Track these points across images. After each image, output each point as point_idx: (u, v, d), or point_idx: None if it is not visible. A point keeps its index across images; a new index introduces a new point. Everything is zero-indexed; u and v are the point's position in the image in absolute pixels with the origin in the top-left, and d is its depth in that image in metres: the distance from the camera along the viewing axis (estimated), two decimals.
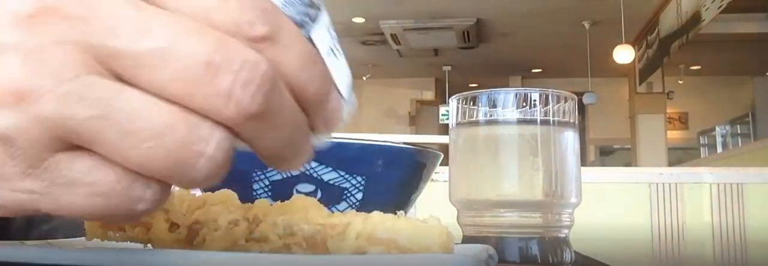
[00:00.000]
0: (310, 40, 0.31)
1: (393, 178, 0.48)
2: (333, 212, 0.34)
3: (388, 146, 0.48)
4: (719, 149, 8.43)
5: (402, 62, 8.75)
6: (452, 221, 0.47)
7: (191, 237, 0.33)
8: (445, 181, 0.51)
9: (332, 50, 0.32)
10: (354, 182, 0.47)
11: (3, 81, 0.20)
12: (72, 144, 0.21)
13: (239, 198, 0.35)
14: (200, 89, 0.21)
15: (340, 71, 0.30)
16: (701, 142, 9.29)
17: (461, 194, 0.50)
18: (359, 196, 0.47)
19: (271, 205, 0.34)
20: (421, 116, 10.05)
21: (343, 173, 0.46)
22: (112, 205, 0.21)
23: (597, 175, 2.23)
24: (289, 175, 0.46)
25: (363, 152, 0.47)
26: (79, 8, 0.21)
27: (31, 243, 0.37)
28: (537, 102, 0.49)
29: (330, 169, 0.46)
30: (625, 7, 6.14)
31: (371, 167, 0.47)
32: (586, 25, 6.98)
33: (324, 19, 0.32)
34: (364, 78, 9.26)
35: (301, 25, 0.30)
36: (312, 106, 0.25)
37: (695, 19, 5.44)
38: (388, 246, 0.32)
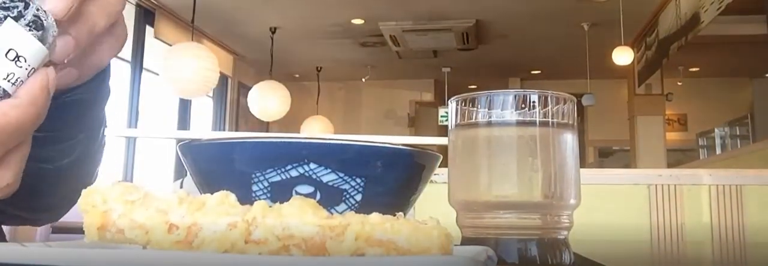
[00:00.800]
0: None
1: (392, 179, 0.49)
2: (332, 213, 0.34)
3: (388, 147, 0.48)
4: (718, 151, 8.44)
5: (401, 64, 8.75)
6: (451, 222, 0.47)
7: (190, 239, 0.33)
8: (445, 182, 0.51)
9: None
10: (353, 183, 0.47)
11: None
12: None
13: (238, 200, 0.35)
14: None
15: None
16: (700, 143, 9.29)
17: (460, 195, 0.50)
18: (358, 197, 0.47)
19: (270, 207, 0.34)
20: (421, 117, 10.05)
21: (342, 175, 0.46)
22: None
23: (596, 176, 2.23)
24: (288, 177, 0.46)
25: (362, 153, 0.47)
26: None
27: (30, 245, 0.37)
28: (536, 104, 0.49)
29: (329, 170, 0.46)
30: (624, 8, 6.14)
31: (370, 168, 0.47)
32: (585, 26, 6.98)
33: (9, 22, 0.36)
34: (363, 79, 9.26)
35: None
36: None
37: (694, 20, 5.45)
38: (387, 247, 0.32)
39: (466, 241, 0.49)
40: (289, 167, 0.46)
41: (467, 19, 6.83)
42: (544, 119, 0.49)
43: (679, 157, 8.75)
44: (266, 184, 0.46)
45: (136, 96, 5.96)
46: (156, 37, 6.12)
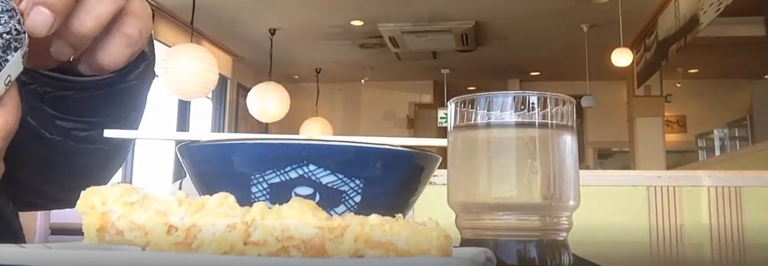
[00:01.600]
0: None
1: (391, 181, 0.49)
2: (331, 215, 0.34)
3: (387, 149, 0.48)
4: (717, 152, 8.44)
5: (400, 65, 8.75)
6: (450, 224, 0.47)
7: (189, 240, 0.33)
8: (444, 184, 0.51)
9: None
10: (352, 185, 0.47)
11: None
12: None
13: (237, 201, 0.35)
14: None
15: None
16: (699, 145, 9.30)
17: (459, 197, 0.50)
18: (358, 199, 0.47)
19: (270, 208, 0.34)
20: (420, 119, 10.06)
21: (341, 176, 0.46)
22: None
23: (595, 178, 2.23)
24: (287, 178, 0.46)
25: (361, 155, 0.47)
26: None
27: (29, 246, 0.37)
28: (535, 105, 0.49)
29: (328, 172, 0.46)
30: (623, 10, 6.15)
31: (370, 170, 0.47)
32: (585, 28, 6.99)
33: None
34: (363, 81, 9.27)
35: None
36: None
37: (693, 22, 5.45)
38: (387, 249, 0.32)
39: (465, 242, 0.49)
40: (288, 168, 0.46)
41: (466, 21, 6.84)
42: (543, 121, 0.49)
43: (678, 158, 8.76)
44: (265, 185, 0.46)
45: None
46: (155, 39, 6.11)
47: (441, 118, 9.22)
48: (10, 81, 0.43)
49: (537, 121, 0.49)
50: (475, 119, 0.50)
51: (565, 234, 0.49)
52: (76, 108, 0.60)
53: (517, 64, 8.84)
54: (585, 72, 7.70)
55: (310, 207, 0.34)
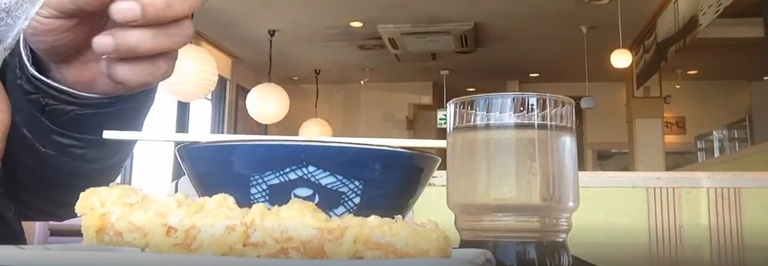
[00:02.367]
0: None
1: (391, 182, 0.49)
2: (330, 216, 0.34)
3: (386, 150, 0.48)
4: (716, 154, 8.44)
5: (400, 67, 8.76)
6: (450, 225, 0.47)
7: (188, 242, 0.33)
8: (443, 185, 0.51)
9: None
10: (352, 186, 0.47)
11: None
12: None
13: (237, 203, 0.35)
14: None
15: None
16: (698, 146, 9.30)
17: (459, 198, 0.50)
18: (357, 200, 0.47)
19: (269, 209, 0.34)
20: (419, 120, 10.06)
21: (340, 178, 0.46)
22: None
23: (594, 179, 2.23)
24: (287, 179, 0.46)
25: (361, 156, 0.47)
26: None
27: (28, 247, 0.37)
28: (534, 106, 0.49)
29: (328, 173, 0.46)
30: (622, 11, 6.15)
31: (369, 171, 0.47)
32: (584, 29, 6.99)
33: None
34: (362, 82, 9.27)
35: None
36: None
37: (692, 23, 5.46)
38: (386, 250, 0.32)
39: (464, 244, 0.49)
40: (287, 169, 0.46)
41: (466, 22, 6.84)
42: (542, 122, 0.49)
43: (677, 160, 8.76)
44: (265, 187, 0.46)
45: None
46: None
47: (440, 119, 9.22)
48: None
49: (536, 122, 0.49)
50: (474, 121, 0.50)
51: (564, 236, 0.49)
52: (76, 124, 0.60)
53: (516, 66, 8.84)
54: (584, 73, 7.70)
55: (309, 209, 0.34)
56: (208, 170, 0.49)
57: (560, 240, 0.49)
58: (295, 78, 9.33)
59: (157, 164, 6.59)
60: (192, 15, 0.50)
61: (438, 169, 0.53)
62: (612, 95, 8.89)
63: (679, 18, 5.81)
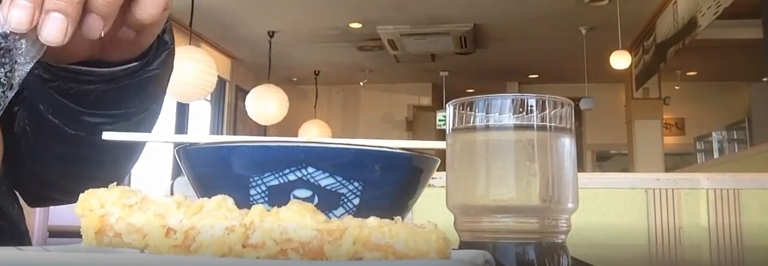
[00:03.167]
0: None
1: (390, 183, 0.49)
2: (330, 217, 0.34)
3: (385, 151, 0.48)
4: (716, 155, 8.45)
5: (399, 68, 8.76)
6: (449, 226, 0.47)
7: (188, 243, 0.33)
8: (442, 186, 0.51)
9: None
10: (351, 187, 0.47)
11: None
12: None
13: (236, 204, 0.35)
14: None
15: None
16: (698, 147, 9.30)
17: (458, 199, 0.50)
18: (356, 201, 0.47)
19: (268, 210, 0.34)
20: (418, 121, 10.06)
21: (340, 179, 0.46)
22: None
23: (594, 180, 2.23)
24: (286, 181, 0.46)
25: (360, 157, 0.47)
26: None
27: (27, 249, 0.37)
28: (534, 108, 0.49)
29: (327, 174, 0.46)
30: (621, 12, 6.16)
31: (368, 172, 0.47)
32: (583, 30, 7.00)
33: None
34: (362, 83, 9.27)
35: None
36: None
37: (691, 25, 5.46)
38: (385, 251, 0.32)
39: (463, 245, 0.49)
40: (287, 171, 0.46)
41: (465, 23, 6.84)
42: (541, 123, 0.49)
43: (676, 161, 8.76)
44: (264, 188, 0.46)
45: None
46: None
47: (439, 120, 9.22)
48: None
49: (535, 123, 0.49)
50: (473, 122, 0.50)
51: (563, 237, 0.49)
52: (102, 101, 0.60)
53: (515, 67, 8.85)
54: (583, 75, 7.70)
55: (308, 210, 0.34)
56: (208, 171, 0.49)
57: (559, 241, 0.49)
58: (295, 79, 9.33)
59: (156, 166, 6.59)
60: None
61: (437, 170, 0.53)
62: (611, 96, 8.89)
63: (679, 19, 5.81)
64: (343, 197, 0.47)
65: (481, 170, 0.49)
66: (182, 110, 6.98)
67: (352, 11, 6.54)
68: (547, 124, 0.49)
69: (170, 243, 0.33)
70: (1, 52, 0.42)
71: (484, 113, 0.50)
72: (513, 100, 0.49)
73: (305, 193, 0.46)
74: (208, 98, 7.47)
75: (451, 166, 0.51)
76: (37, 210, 3.44)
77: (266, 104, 6.76)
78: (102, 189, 0.35)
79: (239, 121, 8.26)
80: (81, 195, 0.35)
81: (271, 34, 7.27)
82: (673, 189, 2.21)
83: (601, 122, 9.28)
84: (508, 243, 0.47)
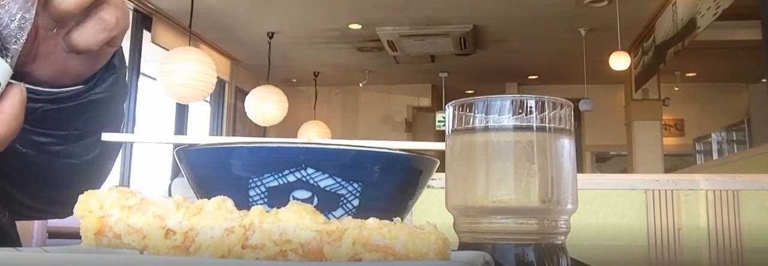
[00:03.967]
0: None
1: (389, 184, 0.49)
2: (329, 218, 0.34)
3: (385, 152, 0.48)
4: (715, 156, 8.44)
5: (398, 69, 8.76)
6: (448, 227, 0.47)
7: (187, 244, 0.33)
8: (442, 188, 0.51)
9: None
10: (350, 188, 0.47)
11: None
12: None
13: (235, 205, 0.35)
14: None
15: None
16: (697, 149, 9.30)
17: (457, 200, 0.50)
18: (356, 202, 0.47)
19: (268, 212, 0.34)
20: (418, 122, 10.06)
21: (339, 180, 0.46)
22: None
23: (593, 181, 2.23)
24: (285, 182, 0.46)
25: (359, 158, 0.47)
26: None
27: (26, 250, 0.37)
28: (533, 109, 0.49)
29: (326, 175, 0.46)
30: (621, 14, 6.16)
31: (368, 173, 0.47)
32: (582, 32, 7.00)
33: None
34: (361, 84, 9.27)
35: None
36: None
37: (691, 26, 5.46)
38: (385, 252, 0.32)
39: (463, 246, 0.49)
40: (286, 172, 0.46)
41: (464, 25, 6.85)
42: (541, 124, 0.49)
43: (676, 162, 8.76)
44: (263, 189, 0.46)
45: (133, 101, 5.96)
46: (153, 42, 6.12)
47: (439, 121, 9.22)
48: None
49: (535, 124, 0.49)
50: (473, 123, 0.50)
51: (563, 238, 0.49)
52: (47, 121, 0.60)
53: (515, 68, 8.85)
54: (583, 76, 7.70)
55: (308, 211, 0.34)
56: (207, 172, 0.49)
57: (559, 242, 0.49)
58: (294, 80, 9.33)
59: (155, 167, 6.59)
60: None
61: (437, 171, 0.53)
62: (611, 97, 8.90)
63: (678, 20, 5.82)
64: (342, 199, 0.47)
65: (480, 171, 0.49)
66: (181, 110, 6.98)
67: (352, 12, 6.54)
68: (547, 125, 0.49)
69: (169, 244, 0.33)
70: None
71: (484, 114, 0.50)
72: (512, 101, 0.49)
73: (305, 194, 0.46)
74: (208, 99, 7.47)
75: (451, 167, 0.51)
76: None
77: (266, 105, 6.76)
78: (101, 190, 0.35)
79: (238, 122, 8.26)
80: (80, 196, 0.35)
81: (271, 35, 7.27)
82: (672, 190, 2.21)
83: (600, 123, 9.29)
84: (508, 244, 0.47)
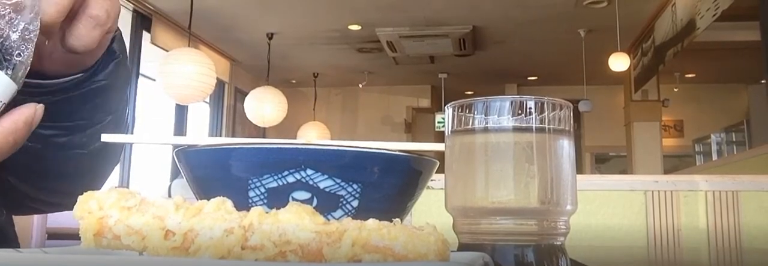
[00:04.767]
0: None
1: (389, 185, 0.48)
2: (329, 219, 0.34)
3: (384, 153, 0.48)
4: (714, 157, 8.45)
5: (398, 70, 8.76)
6: (448, 228, 0.47)
7: (186, 245, 0.33)
8: (441, 188, 0.51)
9: None
10: (350, 189, 0.47)
11: None
12: None
13: (235, 206, 0.35)
14: None
15: None
16: (696, 150, 9.31)
17: (457, 201, 0.50)
18: (355, 204, 0.47)
19: (267, 213, 0.34)
20: (417, 123, 10.06)
21: (339, 181, 0.46)
22: None
23: (592, 182, 2.23)
24: (285, 183, 0.46)
25: (359, 159, 0.47)
26: None
27: (25, 251, 0.37)
28: (532, 110, 0.49)
29: (326, 176, 0.46)
30: (620, 15, 6.16)
31: (367, 174, 0.47)
32: (582, 32, 7.00)
33: None
34: (360, 85, 9.27)
35: None
36: None
37: (690, 27, 5.47)
38: (384, 253, 0.32)
39: (462, 247, 0.49)
40: (285, 173, 0.46)
41: (464, 26, 6.85)
42: (540, 125, 0.49)
43: (675, 163, 8.77)
44: (263, 190, 0.46)
45: (133, 102, 5.96)
46: (153, 43, 6.12)
47: (438, 122, 9.22)
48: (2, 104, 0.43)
49: (534, 125, 0.49)
50: (472, 124, 0.50)
51: (562, 239, 0.49)
52: (51, 113, 0.60)
53: (514, 69, 8.85)
54: (582, 77, 7.71)
55: (307, 212, 0.34)
56: (206, 173, 0.49)
57: (558, 243, 0.49)
58: (294, 81, 9.33)
59: (155, 168, 6.59)
60: None
61: (436, 172, 0.53)
62: (610, 98, 8.90)
63: (677, 21, 5.82)
64: (342, 200, 0.47)
65: (480, 172, 0.49)
66: (181, 111, 6.98)
67: (351, 13, 6.54)
68: (546, 126, 0.49)
69: (169, 245, 0.33)
70: None
71: (483, 115, 0.50)
72: (512, 102, 0.49)
73: (304, 195, 0.46)
74: (207, 99, 7.47)
75: (450, 168, 0.51)
76: None
77: (265, 105, 6.76)
78: (101, 191, 0.35)
79: (238, 123, 8.26)
80: (79, 197, 0.35)
81: (270, 36, 7.27)
82: (671, 191, 2.21)
83: (599, 124, 9.29)
84: (507, 245, 0.47)
